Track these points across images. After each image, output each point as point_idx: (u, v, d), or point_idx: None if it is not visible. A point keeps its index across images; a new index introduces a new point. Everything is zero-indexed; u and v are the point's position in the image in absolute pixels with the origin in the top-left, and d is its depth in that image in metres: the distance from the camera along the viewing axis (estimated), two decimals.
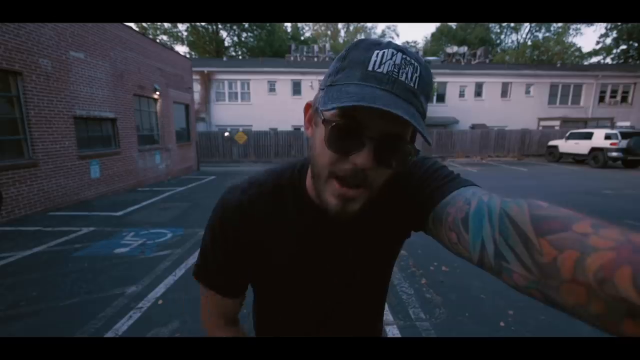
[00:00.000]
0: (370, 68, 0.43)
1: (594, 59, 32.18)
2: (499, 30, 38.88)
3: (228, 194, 0.59)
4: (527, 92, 19.39)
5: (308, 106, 0.53)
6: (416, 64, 0.44)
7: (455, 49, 27.17)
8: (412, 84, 0.43)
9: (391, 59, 0.43)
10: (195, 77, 15.22)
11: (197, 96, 16.54)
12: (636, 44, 28.50)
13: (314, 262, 0.59)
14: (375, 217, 0.58)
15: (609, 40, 30.40)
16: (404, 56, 0.44)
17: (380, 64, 0.43)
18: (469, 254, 0.41)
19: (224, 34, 32.78)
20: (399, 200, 0.56)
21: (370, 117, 0.42)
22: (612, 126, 15.26)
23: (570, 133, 14.34)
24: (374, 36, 41.26)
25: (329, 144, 0.45)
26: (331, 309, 0.63)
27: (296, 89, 18.28)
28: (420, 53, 25.82)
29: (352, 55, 0.46)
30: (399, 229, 0.60)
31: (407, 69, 0.43)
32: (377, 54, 0.44)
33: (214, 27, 31.51)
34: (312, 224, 0.58)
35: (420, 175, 0.53)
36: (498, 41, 39.53)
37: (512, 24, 36.29)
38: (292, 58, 24.72)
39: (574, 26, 33.35)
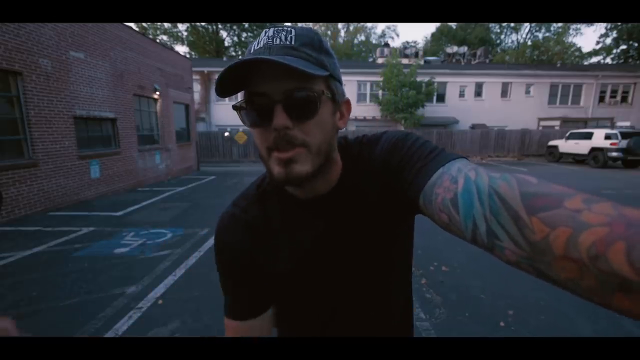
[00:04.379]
0: (252, 51, 0.49)
1: (594, 59, 32.21)
2: (499, 30, 38.89)
3: (219, 222, 0.62)
4: (527, 92, 19.39)
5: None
6: (290, 29, 0.49)
7: (455, 49, 27.15)
8: (288, 42, 0.48)
9: (265, 35, 0.49)
10: (195, 77, 15.23)
11: (197, 96, 16.54)
12: (636, 44, 28.50)
13: (309, 253, 0.59)
14: (360, 201, 0.57)
15: (609, 40, 30.42)
16: (276, 29, 0.50)
17: (258, 43, 0.49)
18: (461, 233, 0.41)
19: (224, 34, 32.78)
20: (383, 183, 0.55)
21: (268, 85, 0.47)
22: (612, 126, 15.29)
23: (570, 133, 14.34)
24: (374, 36, 41.28)
25: (246, 122, 0.51)
26: (341, 300, 0.62)
27: None
28: (421, 53, 25.69)
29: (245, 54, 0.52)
30: (390, 213, 0.58)
31: (280, 35, 0.48)
32: (257, 39, 0.50)
33: (214, 27, 31.50)
34: (297, 214, 0.59)
35: (404, 154, 0.53)
36: (498, 41, 39.52)
37: (512, 24, 36.29)
38: None
39: (574, 26, 33.34)
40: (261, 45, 0.48)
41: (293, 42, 0.47)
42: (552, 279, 0.31)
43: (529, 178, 0.37)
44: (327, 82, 0.51)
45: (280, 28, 0.49)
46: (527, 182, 0.36)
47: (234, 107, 0.52)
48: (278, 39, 0.48)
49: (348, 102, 0.57)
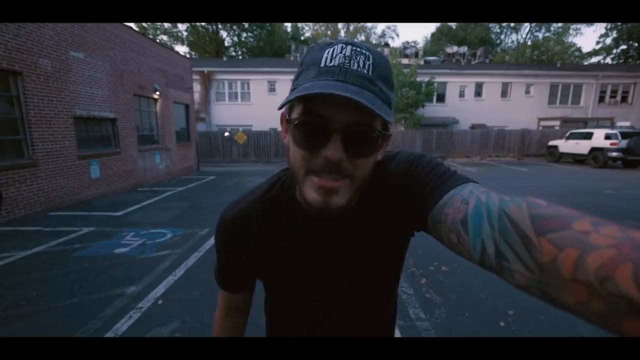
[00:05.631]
0: (322, 65, 0.46)
1: (594, 59, 32.20)
2: (499, 30, 38.88)
3: (225, 211, 0.63)
4: (527, 92, 19.39)
5: (283, 116, 0.55)
6: (367, 53, 0.46)
7: (455, 49, 27.17)
8: (365, 71, 0.45)
9: (341, 52, 0.45)
10: (195, 77, 15.23)
11: (197, 96, 16.54)
12: (636, 44, 28.49)
13: (311, 264, 0.60)
14: (371, 218, 0.58)
15: (609, 40, 30.40)
16: (353, 48, 0.46)
17: (332, 58, 0.45)
18: (469, 254, 0.41)
19: (224, 34, 32.78)
20: (396, 200, 0.55)
21: (332, 109, 0.45)
22: (612, 126, 15.27)
23: (570, 133, 14.34)
24: (374, 36, 41.28)
25: (297, 141, 0.48)
26: (332, 307, 0.64)
27: None
28: (421, 53, 25.76)
29: (307, 59, 0.48)
30: (398, 231, 0.60)
31: (357, 58, 0.45)
32: (328, 51, 0.46)
33: (214, 27, 31.50)
34: (306, 229, 0.59)
35: (417, 174, 0.53)
36: (498, 41, 39.51)
37: (512, 24, 36.28)
38: (292, 58, 24.73)
39: (574, 26, 33.34)
40: (335, 64, 0.45)
41: (370, 72, 0.45)
42: (562, 303, 0.31)
43: (539, 201, 0.37)
44: (386, 122, 0.49)
45: (358, 49, 0.46)
46: (536, 204, 0.36)
47: (287, 121, 0.49)
48: (355, 64, 0.45)
49: (390, 137, 0.56)
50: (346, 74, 0.44)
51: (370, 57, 0.46)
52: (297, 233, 0.59)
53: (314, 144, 0.46)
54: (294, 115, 0.48)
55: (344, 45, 0.46)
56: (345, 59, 0.45)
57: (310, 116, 0.46)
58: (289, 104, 0.49)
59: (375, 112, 0.42)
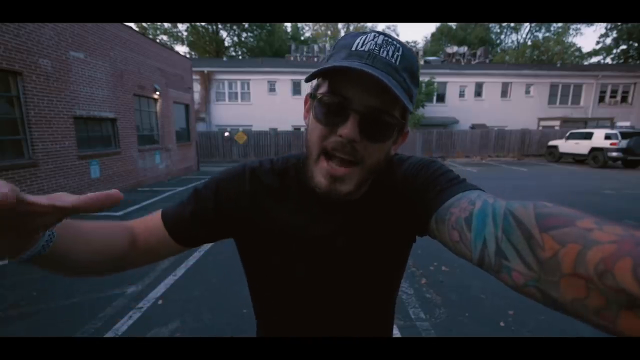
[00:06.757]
0: (353, 48, 0.48)
1: (594, 59, 32.20)
2: (499, 30, 38.87)
3: (249, 161, 0.64)
4: (527, 92, 19.38)
5: (307, 97, 0.57)
6: (398, 45, 0.49)
7: (455, 49, 27.16)
8: (393, 60, 0.47)
9: (373, 40, 0.48)
10: (195, 77, 15.22)
11: (197, 96, 16.53)
12: (636, 44, 28.49)
13: (309, 245, 0.59)
14: (377, 213, 0.58)
15: (609, 40, 30.41)
16: (385, 38, 0.49)
17: (363, 44, 0.48)
18: (469, 252, 0.41)
19: (224, 34, 32.78)
20: (402, 202, 0.56)
21: (355, 91, 0.47)
22: (612, 126, 15.27)
23: (570, 133, 14.34)
24: None
25: (317, 117, 0.50)
26: (326, 296, 0.62)
27: (296, 89, 18.28)
28: (421, 53, 25.79)
29: (340, 43, 0.51)
30: (402, 230, 0.60)
31: (388, 47, 0.48)
32: (361, 38, 0.49)
33: (214, 27, 31.50)
34: (314, 208, 0.59)
35: (426, 178, 0.54)
36: (498, 41, 39.51)
37: (512, 24, 36.28)
38: (292, 58, 24.73)
39: (574, 26, 33.34)
40: (365, 49, 0.47)
41: (397, 63, 0.47)
42: (559, 301, 0.31)
43: (545, 202, 0.37)
44: (405, 113, 0.51)
45: (390, 39, 0.49)
46: (542, 205, 0.37)
47: (311, 95, 0.52)
48: (385, 52, 0.47)
49: (407, 133, 0.57)
50: (374, 60, 0.46)
51: (401, 49, 0.48)
52: (304, 211, 0.59)
53: (332, 121, 0.48)
54: (320, 91, 0.50)
55: (377, 35, 0.49)
56: (375, 46, 0.47)
57: (333, 94, 0.48)
58: (317, 82, 0.52)
59: (396, 94, 0.43)
